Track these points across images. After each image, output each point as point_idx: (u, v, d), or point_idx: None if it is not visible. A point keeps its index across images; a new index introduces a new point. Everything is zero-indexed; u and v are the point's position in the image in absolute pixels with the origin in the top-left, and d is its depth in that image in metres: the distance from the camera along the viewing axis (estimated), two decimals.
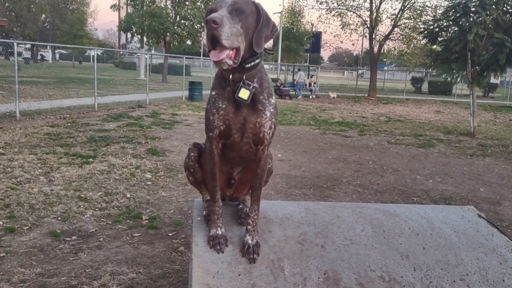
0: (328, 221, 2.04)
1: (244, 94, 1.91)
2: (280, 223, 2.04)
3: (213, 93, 2.00)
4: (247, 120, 1.96)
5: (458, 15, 11.52)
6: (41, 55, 45.50)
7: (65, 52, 54.90)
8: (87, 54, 57.25)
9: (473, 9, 11.26)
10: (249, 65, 1.92)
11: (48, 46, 51.18)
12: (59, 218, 4.39)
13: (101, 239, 3.97)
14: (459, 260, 1.91)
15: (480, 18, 11.00)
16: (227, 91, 1.96)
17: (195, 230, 1.99)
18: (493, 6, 10.93)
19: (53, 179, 5.63)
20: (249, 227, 2.00)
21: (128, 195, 5.20)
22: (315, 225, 2.01)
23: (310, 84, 26.01)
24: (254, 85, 1.94)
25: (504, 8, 11.24)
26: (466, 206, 2.34)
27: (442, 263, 1.88)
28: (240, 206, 2.22)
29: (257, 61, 1.95)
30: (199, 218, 2.12)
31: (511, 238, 2.13)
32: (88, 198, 5.02)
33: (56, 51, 56.64)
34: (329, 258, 1.83)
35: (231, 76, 1.91)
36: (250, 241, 1.95)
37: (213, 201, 2.03)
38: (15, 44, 10.96)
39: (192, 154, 2.23)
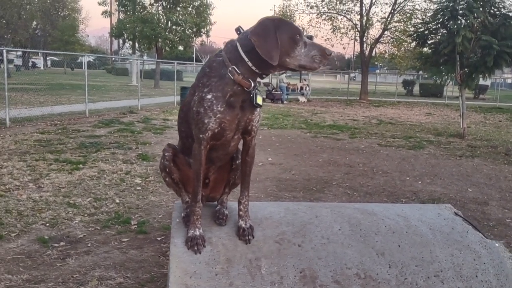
0: (307, 220, 2.08)
1: (260, 100, 2.04)
2: (259, 223, 2.08)
3: (209, 96, 2.01)
4: (241, 120, 2.05)
5: (446, 18, 11.63)
6: (32, 62, 45.27)
7: (57, 59, 54.71)
8: (79, 60, 57.06)
9: (460, 12, 11.37)
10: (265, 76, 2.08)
11: (39, 53, 51.01)
12: (48, 224, 4.39)
13: (89, 245, 3.97)
14: (434, 256, 1.95)
15: (468, 21, 11.11)
16: (229, 94, 2.01)
17: (174, 231, 2.02)
18: (480, 9, 11.06)
19: (42, 186, 5.62)
20: (241, 212, 2.13)
21: (118, 201, 5.21)
22: (294, 224, 2.05)
23: (302, 88, 26.03)
24: (259, 90, 2.09)
25: (491, 11, 11.37)
26: (443, 205, 2.39)
27: (417, 260, 1.92)
28: (218, 207, 2.26)
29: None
30: (178, 220, 2.14)
31: (496, 237, 2.18)
32: (77, 204, 5.02)
33: (47, 58, 56.40)
34: (306, 257, 1.87)
35: (252, 85, 2.01)
36: (244, 225, 2.08)
37: (194, 201, 2.07)
38: (4, 51, 10.94)
39: (166, 154, 2.27)
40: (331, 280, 1.79)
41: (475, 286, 1.89)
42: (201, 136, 2.04)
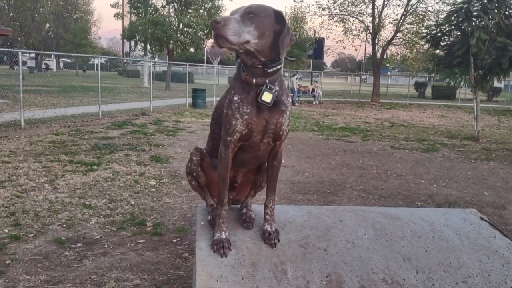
0: (330, 224, 2.06)
1: (267, 97, 1.98)
2: (282, 227, 2.06)
3: (235, 98, 2.03)
4: (269, 121, 2.02)
5: (460, 19, 11.52)
6: (45, 64, 45.81)
7: (69, 60, 55.27)
8: (91, 62, 57.58)
9: (475, 13, 11.26)
10: (271, 69, 1.99)
11: (52, 55, 51.56)
12: (64, 225, 4.41)
13: (106, 246, 3.99)
14: (461, 262, 1.92)
15: (483, 23, 11.00)
16: (251, 95, 2.01)
17: (198, 235, 2.01)
18: (495, 11, 10.94)
19: (58, 187, 5.66)
20: (267, 216, 2.11)
21: (132, 202, 5.23)
22: (318, 228, 2.03)
23: (313, 90, 25.98)
24: (276, 88, 2.01)
25: (507, 12, 11.25)
26: (468, 209, 2.35)
27: (445, 266, 1.89)
28: (244, 210, 2.25)
29: (278, 66, 2.01)
30: (202, 223, 2.13)
31: None
32: (93, 205, 5.04)
33: (60, 60, 56.95)
34: (331, 261, 1.84)
35: (254, 81, 1.99)
36: (269, 229, 2.06)
37: (221, 204, 2.06)
38: (19, 53, 11.05)
39: (194, 158, 2.27)
40: (358, 285, 1.76)
41: None
42: (228, 138, 2.03)
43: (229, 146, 2.04)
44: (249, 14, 1.92)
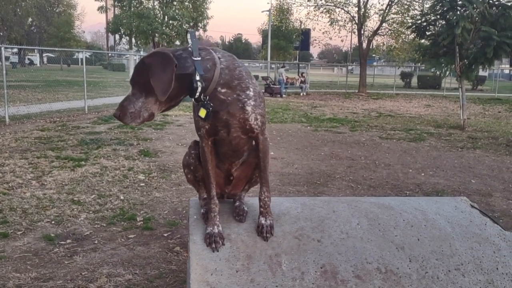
0: (324, 215, 2.07)
1: (202, 113, 1.98)
2: (276, 219, 2.06)
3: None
4: (230, 117, 2.01)
5: (445, 9, 11.59)
6: (28, 59, 45.07)
7: (53, 55, 54.47)
8: (75, 57, 56.82)
9: (460, 2, 11.34)
10: (196, 97, 1.96)
11: (35, 50, 50.82)
12: (53, 222, 4.37)
13: (96, 242, 3.96)
14: (453, 250, 1.94)
15: (467, 12, 11.07)
16: None
17: (192, 229, 2.00)
18: (480, 0, 11.01)
19: (45, 183, 5.59)
20: (261, 209, 2.11)
21: (122, 197, 5.19)
22: (312, 220, 2.04)
23: (302, 82, 26.01)
24: (211, 104, 1.96)
25: (491, 1, 11.33)
26: (459, 197, 2.37)
27: (437, 254, 1.91)
28: (237, 204, 2.25)
29: (199, 90, 1.93)
30: (195, 217, 2.13)
31: (504, 228, 2.17)
32: (82, 201, 4.99)
33: (43, 54, 56.14)
34: (326, 252, 1.85)
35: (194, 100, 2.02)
36: (263, 221, 2.05)
37: (209, 198, 2.07)
38: (2, 48, 10.85)
39: (193, 151, 2.26)
40: (352, 275, 1.78)
41: (496, 279, 1.88)
42: (199, 133, 2.10)
43: (202, 140, 2.09)
44: (134, 86, 1.88)
